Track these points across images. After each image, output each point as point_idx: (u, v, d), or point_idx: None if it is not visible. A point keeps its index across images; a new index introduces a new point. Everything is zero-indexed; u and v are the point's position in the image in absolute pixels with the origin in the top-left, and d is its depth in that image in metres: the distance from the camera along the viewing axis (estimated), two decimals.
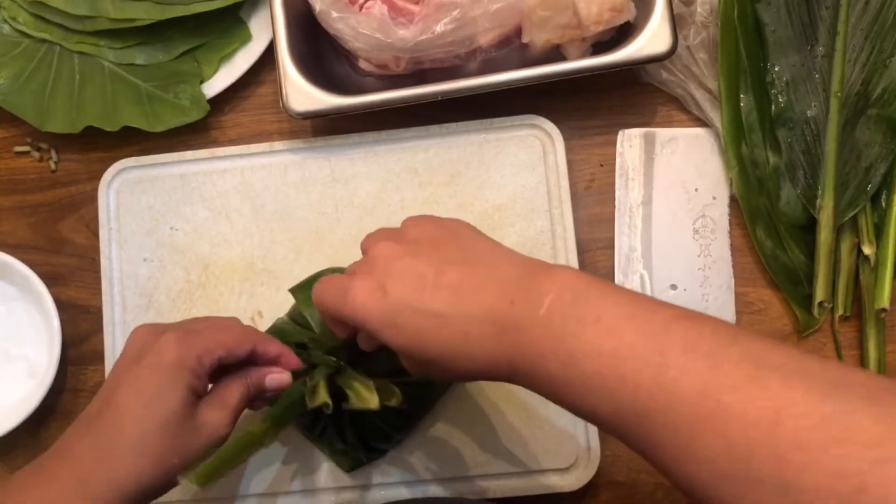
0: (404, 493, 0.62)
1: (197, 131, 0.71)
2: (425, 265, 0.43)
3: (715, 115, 0.66)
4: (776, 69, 0.65)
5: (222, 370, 0.51)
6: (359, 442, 0.60)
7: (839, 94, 0.64)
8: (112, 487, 0.46)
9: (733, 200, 0.66)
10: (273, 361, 0.53)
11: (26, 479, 0.47)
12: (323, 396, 0.51)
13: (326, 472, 0.63)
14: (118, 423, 0.47)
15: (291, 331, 0.58)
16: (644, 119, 0.68)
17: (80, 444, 0.47)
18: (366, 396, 0.51)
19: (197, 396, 0.49)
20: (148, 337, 0.50)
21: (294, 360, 0.53)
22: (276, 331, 0.60)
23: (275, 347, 0.53)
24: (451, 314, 0.41)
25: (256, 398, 0.53)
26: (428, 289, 0.42)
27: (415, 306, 0.42)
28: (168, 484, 0.48)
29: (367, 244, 0.47)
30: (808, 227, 0.65)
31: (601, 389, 0.38)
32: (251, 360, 0.52)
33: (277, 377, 0.52)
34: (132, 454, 0.46)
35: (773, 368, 0.35)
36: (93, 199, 0.69)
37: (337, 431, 0.59)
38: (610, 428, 0.39)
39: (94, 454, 0.46)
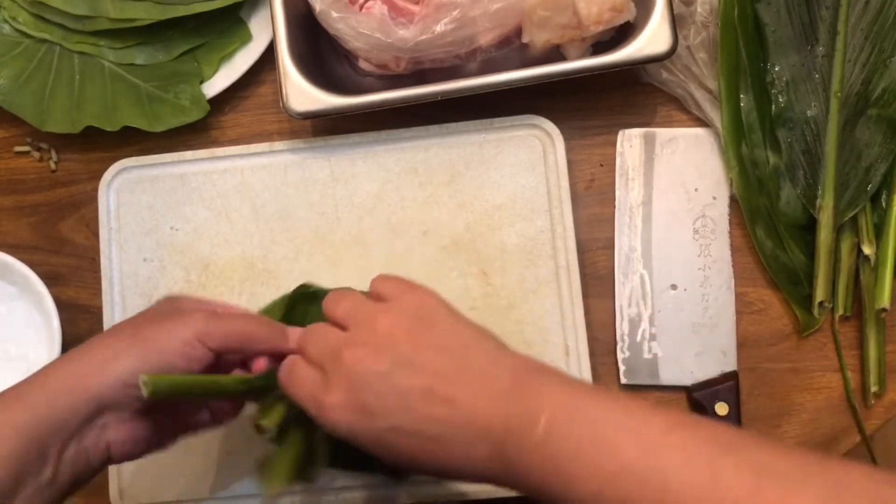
0: (404, 492, 0.62)
1: (197, 131, 0.71)
2: (410, 379, 0.41)
3: (715, 115, 0.66)
4: (776, 69, 0.65)
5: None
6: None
7: (839, 94, 0.64)
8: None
9: (733, 200, 0.66)
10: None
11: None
12: (273, 420, 0.47)
13: (326, 471, 0.63)
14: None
15: (315, 314, 0.54)
16: (644, 119, 0.68)
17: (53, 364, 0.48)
18: (271, 476, 0.47)
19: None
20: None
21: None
22: (310, 291, 0.56)
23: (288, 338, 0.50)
24: (447, 435, 0.40)
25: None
26: (417, 408, 0.40)
27: (406, 429, 0.40)
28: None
29: (339, 319, 0.45)
30: (808, 227, 0.65)
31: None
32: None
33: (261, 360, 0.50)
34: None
35: (774, 478, 0.34)
36: (93, 199, 0.69)
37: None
38: None
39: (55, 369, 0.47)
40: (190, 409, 0.51)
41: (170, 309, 0.49)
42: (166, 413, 0.49)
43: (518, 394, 0.40)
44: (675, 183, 0.67)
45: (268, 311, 0.55)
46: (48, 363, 0.47)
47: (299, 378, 0.45)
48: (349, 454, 0.46)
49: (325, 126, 0.69)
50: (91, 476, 0.47)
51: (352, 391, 0.41)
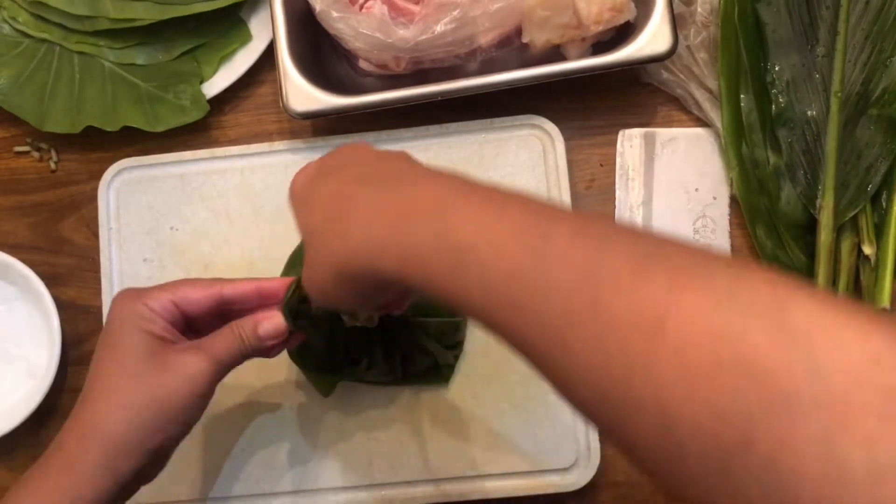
0: (404, 492, 0.62)
1: (197, 131, 0.70)
2: (330, 187, 0.43)
3: (715, 115, 0.66)
4: (776, 69, 0.65)
5: (210, 325, 0.50)
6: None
7: (839, 94, 0.64)
8: (100, 442, 0.46)
9: (733, 200, 0.66)
10: (256, 303, 0.51)
11: (30, 474, 0.47)
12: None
13: (327, 472, 0.63)
14: (94, 382, 0.47)
15: None
16: (644, 119, 0.68)
17: (70, 422, 0.48)
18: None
19: (161, 340, 0.48)
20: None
21: (274, 284, 0.51)
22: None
23: (246, 284, 0.51)
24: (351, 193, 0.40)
25: (262, 350, 0.51)
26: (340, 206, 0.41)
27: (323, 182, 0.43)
28: (157, 431, 0.47)
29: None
30: (809, 227, 0.65)
31: (473, 266, 0.33)
32: (235, 310, 0.51)
33: (270, 323, 0.50)
34: (110, 406, 0.46)
35: (663, 261, 0.29)
36: (93, 199, 0.69)
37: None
38: (484, 320, 0.34)
39: (79, 423, 0.47)
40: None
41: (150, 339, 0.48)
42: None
43: (410, 182, 0.39)
44: (676, 183, 0.67)
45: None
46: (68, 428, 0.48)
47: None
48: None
49: (325, 126, 0.69)
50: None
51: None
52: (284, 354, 0.58)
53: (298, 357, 0.59)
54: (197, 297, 0.50)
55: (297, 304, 0.51)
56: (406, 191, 0.38)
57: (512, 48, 0.65)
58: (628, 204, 0.67)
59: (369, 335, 0.59)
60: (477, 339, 0.63)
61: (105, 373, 0.47)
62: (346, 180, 0.41)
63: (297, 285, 0.51)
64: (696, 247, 0.30)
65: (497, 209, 0.34)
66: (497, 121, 0.66)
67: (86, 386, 0.48)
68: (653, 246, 0.30)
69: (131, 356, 0.47)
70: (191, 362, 0.47)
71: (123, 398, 0.46)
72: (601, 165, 0.68)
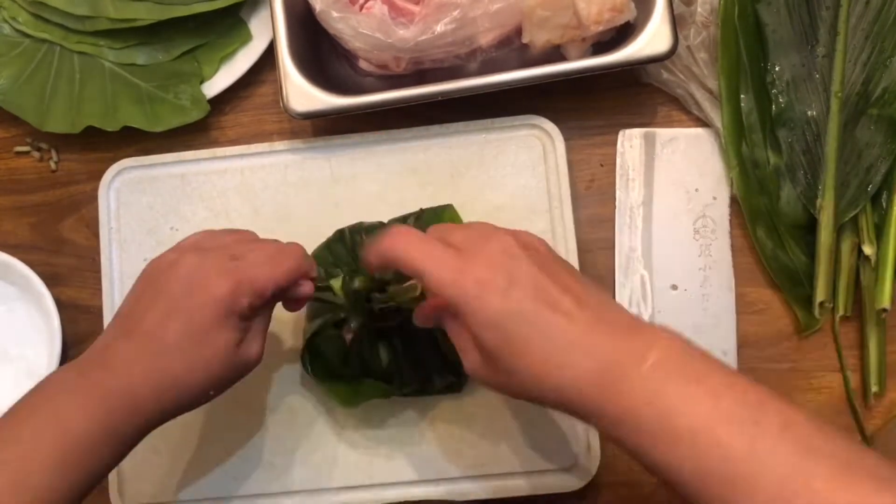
0: (404, 492, 0.62)
1: (197, 131, 0.71)
2: (548, 280, 0.43)
3: (715, 115, 0.66)
4: (777, 69, 0.65)
5: None
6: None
7: (840, 94, 0.64)
8: (152, 407, 0.48)
9: (734, 200, 0.66)
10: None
11: (71, 381, 0.48)
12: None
13: (327, 472, 0.63)
14: (167, 355, 0.48)
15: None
16: (644, 119, 0.68)
17: (125, 353, 0.48)
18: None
19: (238, 339, 0.50)
20: (198, 273, 0.49)
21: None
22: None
23: (313, 268, 0.54)
24: (557, 340, 0.41)
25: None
26: (549, 306, 0.42)
27: (531, 318, 0.42)
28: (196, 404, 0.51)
29: (475, 232, 0.46)
30: (809, 227, 0.65)
31: (690, 448, 0.38)
32: None
33: (307, 286, 0.53)
34: (177, 389, 0.48)
35: (866, 472, 0.36)
36: (93, 199, 0.69)
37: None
38: (688, 490, 0.38)
39: (141, 368, 0.47)
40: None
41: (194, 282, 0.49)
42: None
43: (633, 329, 0.42)
44: (676, 183, 0.67)
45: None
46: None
47: (433, 252, 0.45)
48: (415, 353, 0.58)
49: (325, 126, 0.69)
50: None
51: (493, 266, 0.43)
52: (287, 357, 0.58)
53: (311, 368, 0.60)
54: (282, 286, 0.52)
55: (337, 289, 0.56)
56: (610, 341, 0.42)
57: (512, 48, 0.65)
58: (628, 204, 0.67)
59: (395, 348, 0.59)
60: None
61: (189, 356, 0.48)
62: (525, 299, 0.42)
63: (347, 275, 0.56)
64: (887, 460, 0.37)
65: (713, 397, 0.39)
66: (497, 121, 0.66)
67: (162, 338, 0.48)
68: (852, 452, 0.37)
69: (218, 356, 0.49)
70: (255, 352, 0.51)
71: (194, 389, 0.49)
72: (601, 165, 0.68)
